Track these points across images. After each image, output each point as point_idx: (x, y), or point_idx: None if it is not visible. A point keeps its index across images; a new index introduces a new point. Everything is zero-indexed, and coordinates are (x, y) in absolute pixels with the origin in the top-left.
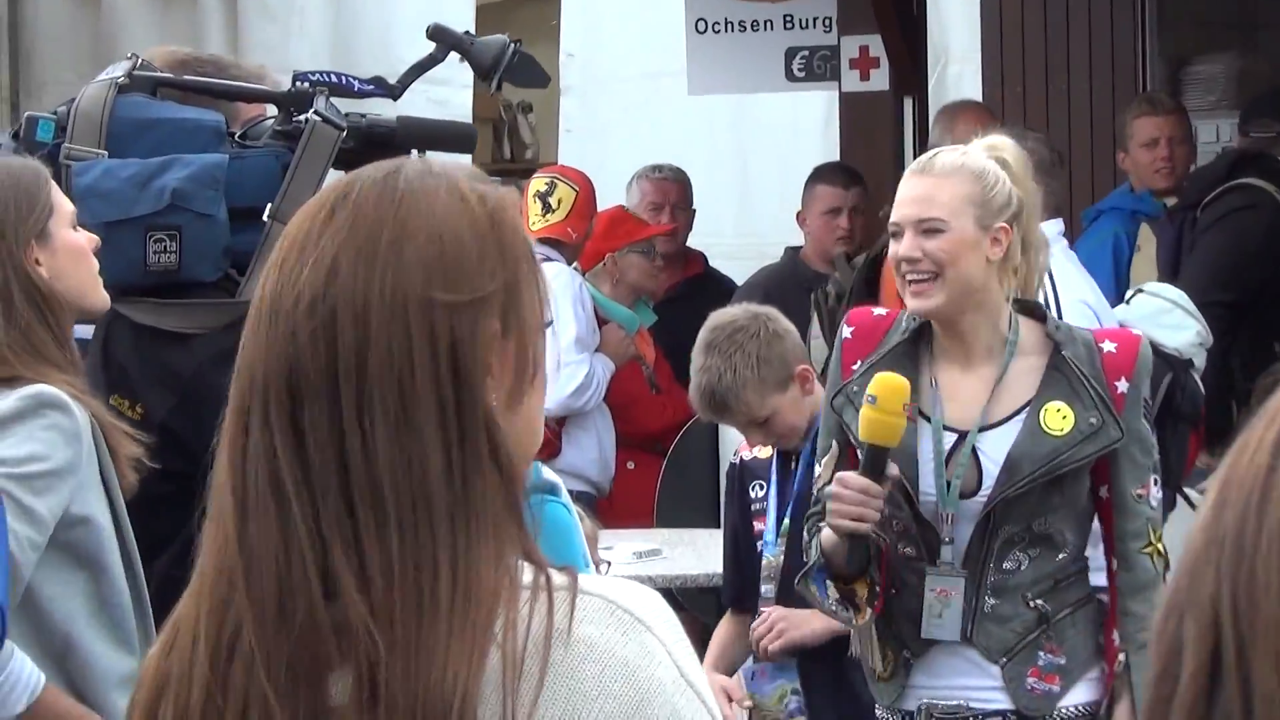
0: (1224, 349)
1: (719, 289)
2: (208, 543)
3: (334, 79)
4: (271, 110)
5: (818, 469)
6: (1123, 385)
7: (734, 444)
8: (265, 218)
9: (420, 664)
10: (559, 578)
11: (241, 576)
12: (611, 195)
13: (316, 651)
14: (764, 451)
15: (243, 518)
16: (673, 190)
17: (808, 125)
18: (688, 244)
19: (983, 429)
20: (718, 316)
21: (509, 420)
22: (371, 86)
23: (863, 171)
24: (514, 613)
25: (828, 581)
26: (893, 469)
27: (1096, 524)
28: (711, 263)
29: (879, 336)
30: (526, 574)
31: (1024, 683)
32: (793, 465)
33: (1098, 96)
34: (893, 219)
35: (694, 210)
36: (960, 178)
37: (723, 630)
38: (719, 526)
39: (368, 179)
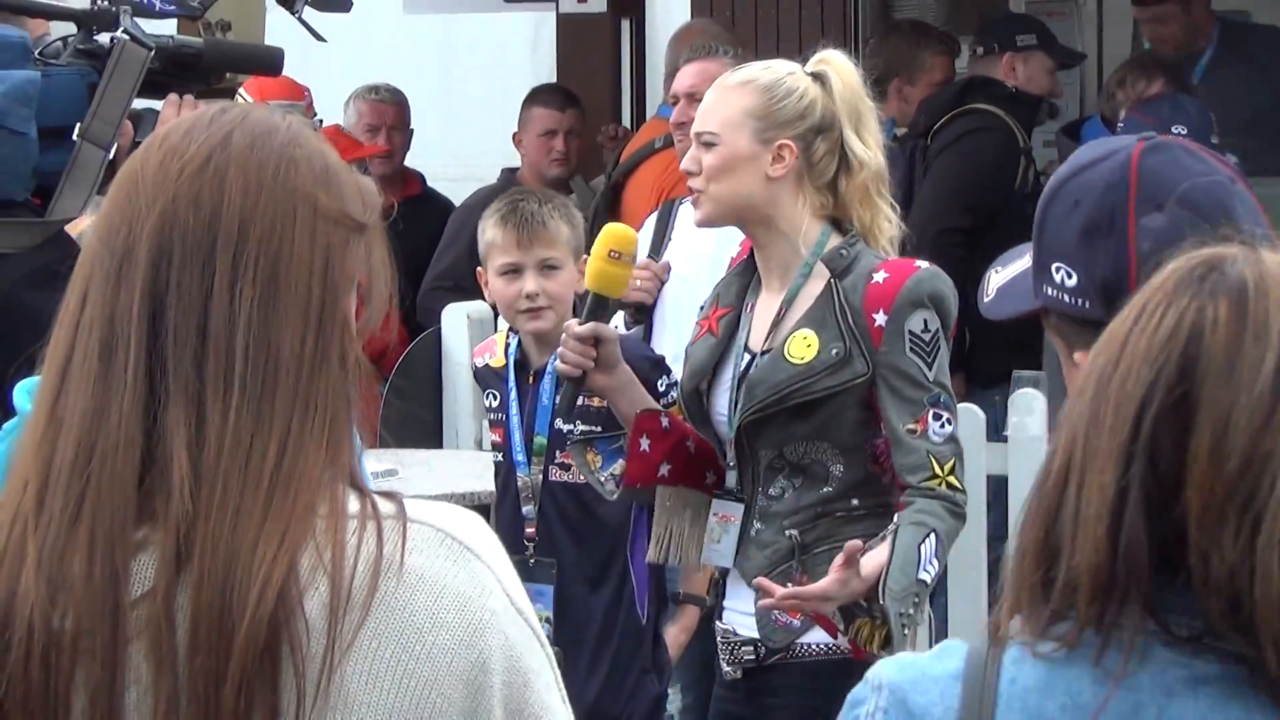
0: (960, 278)
1: (437, 209)
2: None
3: None
4: (55, 28)
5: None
6: (880, 318)
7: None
8: (75, 137)
9: (232, 530)
10: (386, 505)
11: (44, 444)
12: (320, 115)
13: (118, 516)
14: (496, 360)
15: (61, 384)
16: (389, 112)
17: (515, 46)
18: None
19: (765, 352)
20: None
21: None
22: (172, 6)
23: (580, 94)
24: (342, 538)
25: (617, 460)
26: (604, 329)
27: None
28: None
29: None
30: (353, 501)
31: (770, 612)
32: (530, 380)
33: (806, 22)
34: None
35: (411, 131)
36: (747, 90)
37: None
38: (442, 447)
39: (245, 105)
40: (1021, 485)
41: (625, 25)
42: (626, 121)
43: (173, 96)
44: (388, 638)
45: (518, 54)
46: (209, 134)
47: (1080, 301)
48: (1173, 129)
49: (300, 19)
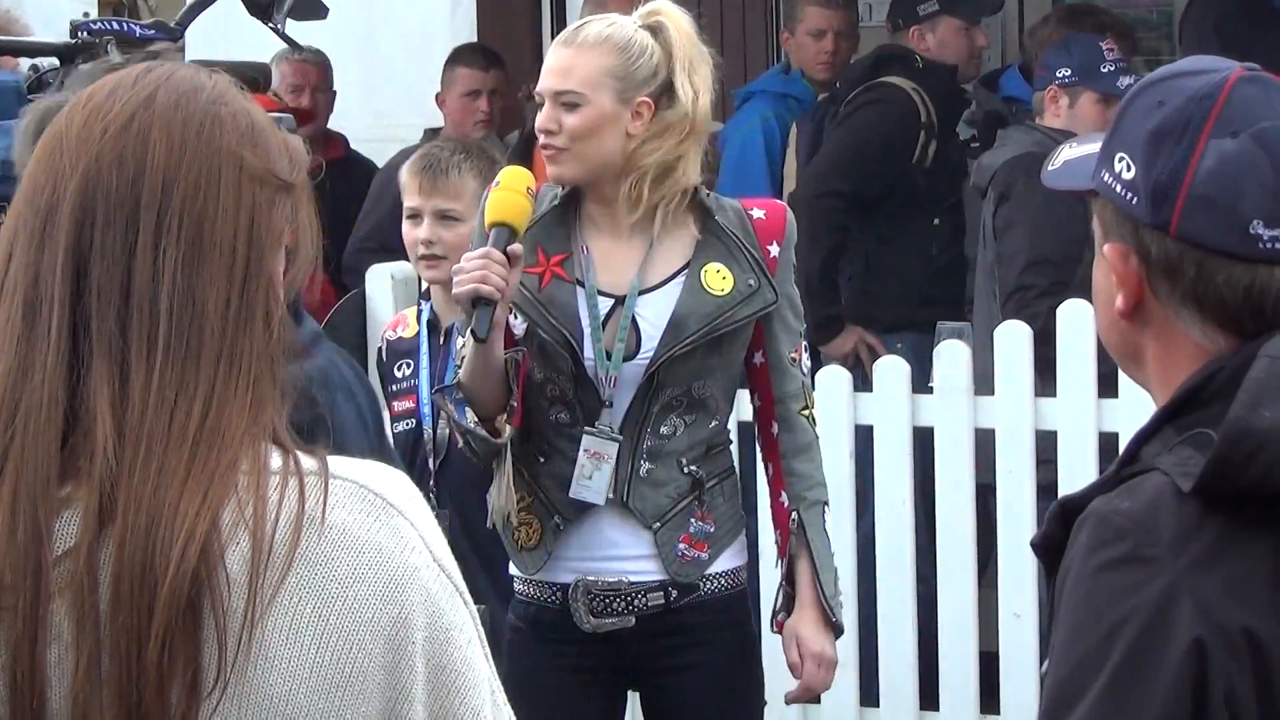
0: (835, 243)
1: (361, 171)
2: None
3: (115, 26)
4: (23, 63)
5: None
6: (774, 249)
7: (383, 326)
8: None
9: (155, 487)
10: (308, 462)
11: None
12: None
13: (41, 473)
14: (408, 330)
15: None
16: (312, 73)
17: (436, 6)
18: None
19: (641, 292)
20: None
21: None
22: (153, 31)
23: (501, 52)
24: (264, 494)
25: (466, 408)
26: (516, 247)
27: None
28: None
29: None
30: (275, 458)
31: (675, 549)
32: (441, 339)
33: None
34: (537, 88)
35: (334, 92)
36: (603, 50)
37: None
38: None
39: (171, 64)
40: (948, 437)
41: None
42: None
43: None
44: (309, 593)
45: (438, 14)
46: (133, 93)
47: (1130, 195)
48: (1056, 73)
49: (275, 29)
